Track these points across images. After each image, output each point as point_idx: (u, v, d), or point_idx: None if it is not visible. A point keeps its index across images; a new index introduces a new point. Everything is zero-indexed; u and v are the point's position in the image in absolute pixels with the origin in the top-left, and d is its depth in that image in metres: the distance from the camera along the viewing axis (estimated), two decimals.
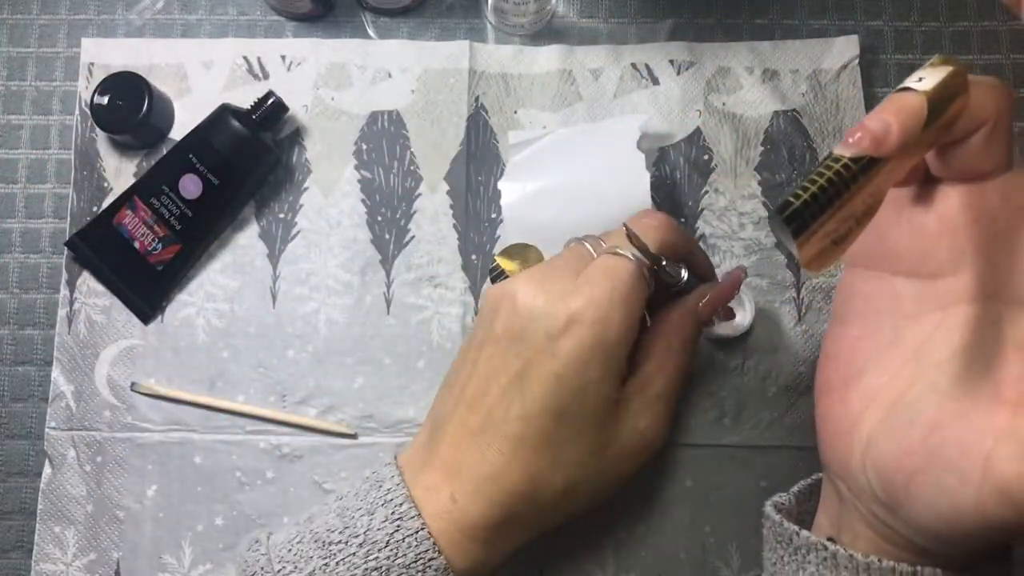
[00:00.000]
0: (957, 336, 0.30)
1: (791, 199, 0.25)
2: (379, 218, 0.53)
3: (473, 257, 0.53)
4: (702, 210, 0.53)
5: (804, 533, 0.33)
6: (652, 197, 0.50)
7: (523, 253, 0.53)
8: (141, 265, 0.52)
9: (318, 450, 0.51)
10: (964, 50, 0.56)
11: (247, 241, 0.53)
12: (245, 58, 0.55)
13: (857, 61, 0.55)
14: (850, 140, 0.26)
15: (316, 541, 0.37)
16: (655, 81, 0.55)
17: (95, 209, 0.53)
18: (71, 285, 0.53)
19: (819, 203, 0.25)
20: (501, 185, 0.53)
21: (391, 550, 0.35)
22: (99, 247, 0.52)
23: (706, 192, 0.54)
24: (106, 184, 0.53)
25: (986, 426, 0.27)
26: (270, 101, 0.52)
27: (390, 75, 0.55)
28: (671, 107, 0.55)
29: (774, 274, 0.52)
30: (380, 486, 0.39)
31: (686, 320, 0.43)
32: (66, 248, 0.53)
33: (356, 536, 0.36)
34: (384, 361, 0.52)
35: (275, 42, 0.56)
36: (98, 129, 0.53)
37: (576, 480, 0.38)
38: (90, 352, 0.52)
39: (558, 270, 0.39)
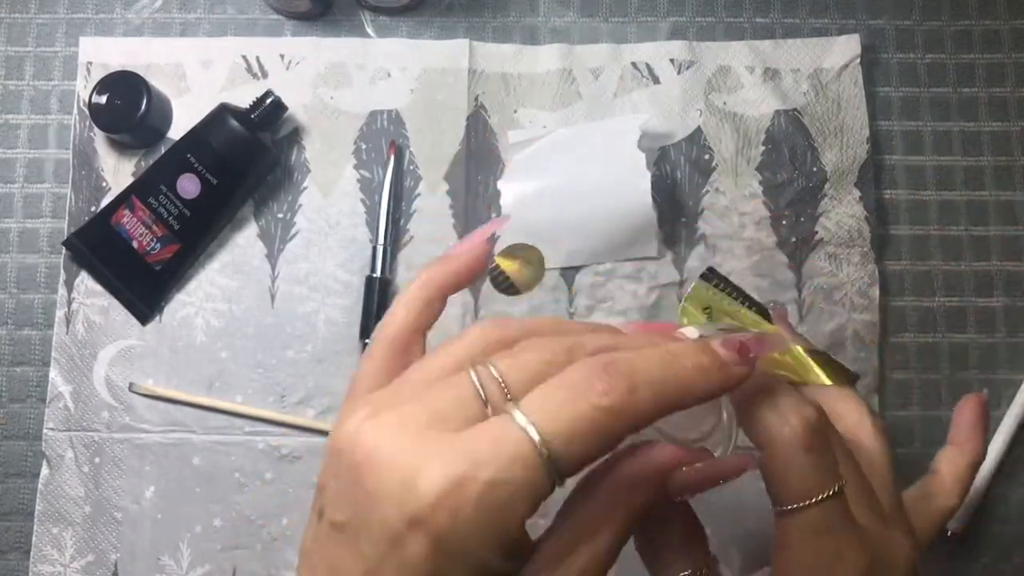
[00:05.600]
0: None
1: None
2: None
3: None
4: (703, 210, 0.53)
5: None
6: (652, 197, 0.50)
7: (523, 253, 0.53)
8: (139, 265, 0.52)
9: (317, 451, 0.50)
10: (966, 49, 0.56)
11: (246, 241, 0.53)
12: (244, 57, 0.55)
13: (858, 60, 0.55)
14: None
15: None
16: (655, 80, 0.55)
17: (93, 209, 0.53)
18: (69, 285, 0.52)
19: None
20: (501, 185, 0.53)
21: None
22: (97, 247, 0.52)
23: (707, 192, 0.53)
24: (104, 184, 0.53)
25: None
26: (269, 100, 0.51)
27: (389, 74, 0.55)
28: (671, 106, 0.54)
29: (775, 274, 0.52)
30: None
31: (643, 485, 0.28)
32: (64, 248, 0.52)
33: None
34: None
35: (274, 41, 0.55)
36: (96, 128, 0.53)
37: None
38: (88, 352, 0.52)
39: (426, 421, 0.27)
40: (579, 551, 0.28)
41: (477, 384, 0.27)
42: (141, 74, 0.52)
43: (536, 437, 0.25)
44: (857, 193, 0.53)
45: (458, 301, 0.52)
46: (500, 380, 0.27)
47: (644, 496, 0.29)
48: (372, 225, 0.53)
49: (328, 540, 0.28)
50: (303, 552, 0.30)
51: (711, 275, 0.34)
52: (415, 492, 0.25)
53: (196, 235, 0.52)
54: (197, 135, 0.51)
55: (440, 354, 0.31)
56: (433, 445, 0.26)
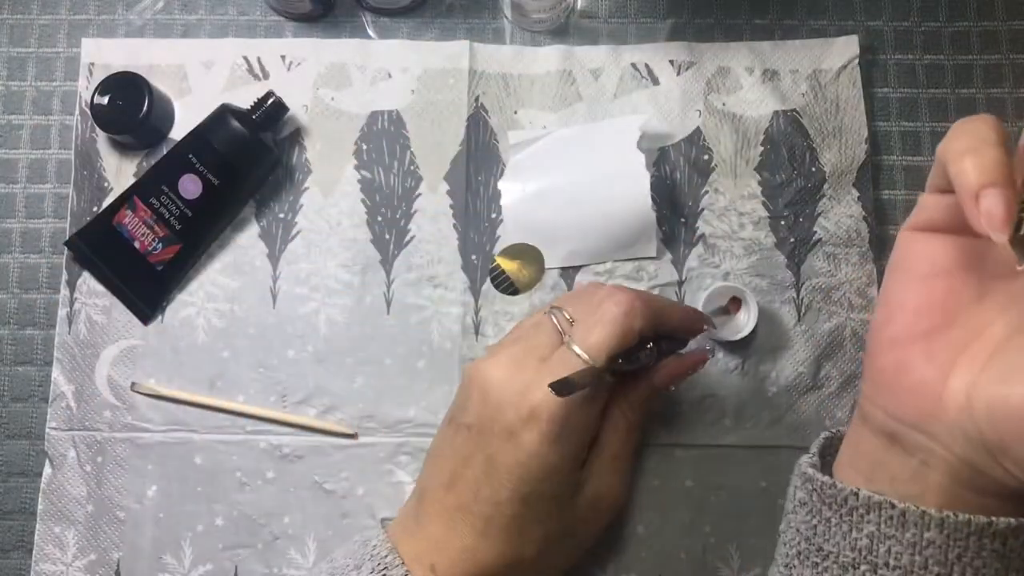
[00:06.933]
0: None
1: None
2: (379, 218, 0.53)
3: (473, 257, 0.53)
4: (702, 210, 0.53)
5: (865, 493, 0.33)
6: (652, 197, 0.50)
7: (523, 253, 0.53)
8: (141, 265, 0.52)
9: (318, 450, 0.51)
10: (964, 50, 0.56)
11: (247, 241, 0.53)
12: (245, 58, 0.55)
13: (857, 61, 0.55)
14: None
15: None
16: (655, 81, 0.55)
17: (95, 209, 0.53)
18: (71, 285, 0.53)
19: None
20: (501, 185, 0.54)
21: None
22: (99, 247, 0.52)
23: (706, 192, 0.54)
24: (106, 184, 0.54)
25: None
26: (270, 101, 0.52)
27: (390, 75, 0.55)
28: (671, 107, 0.55)
29: (774, 274, 0.52)
30: (367, 544, 0.42)
31: (639, 387, 0.46)
32: (66, 248, 0.53)
33: None
34: (384, 361, 0.52)
35: (275, 42, 0.56)
36: (98, 129, 0.53)
37: (545, 550, 0.42)
38: (90, 352, 0.52)
39: (527, 356, 0.42)
40: (611, 441, 0.45)
41: (556, 323, 0.44)
42: (143, 75, 0.53)
43: (586, 357, 0.41)
44: (855, 193, 0.53)
45: (458, 301, 0.52)
46: (569, 318, 0.43)
47: (645, 393, 0.46)
48: (372, 225, 0.53)
49: (457, 437, 0.43)
50: (432, 451, 0.45)
51: None
52: (528, 400, 0.40)
53: (198, 235, 0.52)
54: (199, 136, 0.52)
55: (530, 316, 0.47)
56: (533, 372, 0.41)
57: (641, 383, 0.46)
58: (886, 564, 0.32)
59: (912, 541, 0.32)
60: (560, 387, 0.39)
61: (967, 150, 0.30)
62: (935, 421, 0.32)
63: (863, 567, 0.33)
